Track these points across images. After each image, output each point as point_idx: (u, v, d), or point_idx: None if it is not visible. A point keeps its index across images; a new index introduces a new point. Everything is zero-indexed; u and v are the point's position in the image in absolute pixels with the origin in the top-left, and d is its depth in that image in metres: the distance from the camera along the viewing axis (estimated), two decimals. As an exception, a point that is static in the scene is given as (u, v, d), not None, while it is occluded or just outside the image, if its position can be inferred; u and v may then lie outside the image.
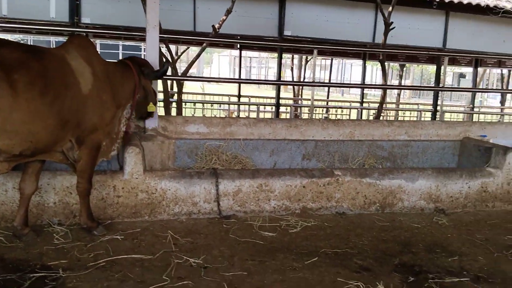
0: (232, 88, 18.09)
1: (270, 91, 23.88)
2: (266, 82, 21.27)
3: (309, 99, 10.53)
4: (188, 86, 15.37)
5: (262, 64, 39.66)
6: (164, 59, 4.39)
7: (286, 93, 23.89)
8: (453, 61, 13.11)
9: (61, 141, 3.31)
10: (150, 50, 4.54)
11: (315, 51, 6.94)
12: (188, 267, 3.15)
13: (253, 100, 13.46)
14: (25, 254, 3.22)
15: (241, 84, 12.94)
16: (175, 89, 9.37)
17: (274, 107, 11.33)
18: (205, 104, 12.33)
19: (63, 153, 3.44)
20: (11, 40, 3.40)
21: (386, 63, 9.36)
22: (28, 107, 2.91)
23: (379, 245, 3.75)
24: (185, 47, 11.33)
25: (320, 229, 4.02)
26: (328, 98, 16.86)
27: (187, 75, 8.12)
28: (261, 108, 12.40)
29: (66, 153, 3.45)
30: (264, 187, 4.28)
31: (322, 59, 19.05)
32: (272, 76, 38.60)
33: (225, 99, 13.34)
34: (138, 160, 3.92)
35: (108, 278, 2.91)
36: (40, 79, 3.00)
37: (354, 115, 13.91)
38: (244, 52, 15.09)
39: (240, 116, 11.55)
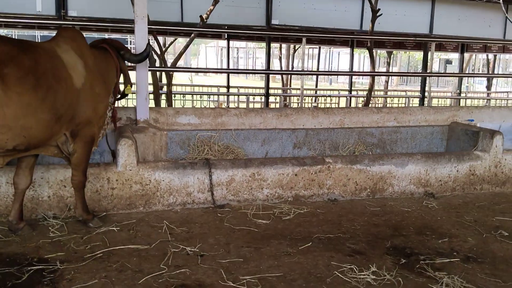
0: (220, 79, 18.07)
1: (258, 82, 23.90)
2: (256, 71, 21.29)
3: (298, 88, 10.58)
4: (176, 77, 15.31)
5: (249, 54, 39.54)
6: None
7: (274, 83, 23.91)
8: (440, 47, 13.23)
9: (55, 135, 3.31)
10: (139, 42, 4.54)
11: (304, 40, 6.98)
12: (184, 256, 3.19)
13: (242, 90, 13.47)
14: (21, 248, 3.24)
15: (229, 75, 12.93)
16: (164, 81, 9.36)
17: (263, 97, 11.36)
18: (194, 96, 12.31)
19: (57, 147, 3.45)
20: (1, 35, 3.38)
21: (373, 51, 9.43)
22: (20, 101, 2.90)
23: (370, 229, 3.82)
24: (173, 38, 11.29)
25: (313, 216, 4.09)
26: (316, 87, 16.93)
27: (176, 66, 8.10)
28: (251, 98, 12.44)
29: (61, 146, 3.46)
30: (256, 176, 4.32)
31: (310, 48, 19.09)
32: (259, 66, 38.52)
33: (214, 90, 13.33)
34: (131, 152, 3.94)
35: (106, 269, 2.94)
36: (31, 73, 2.98)
37: (342, 103, 14.00)
38: (231, 43, 15.08)
39: (230, 107, 11.58)
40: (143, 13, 4.43)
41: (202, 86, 13.28)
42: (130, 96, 11.27)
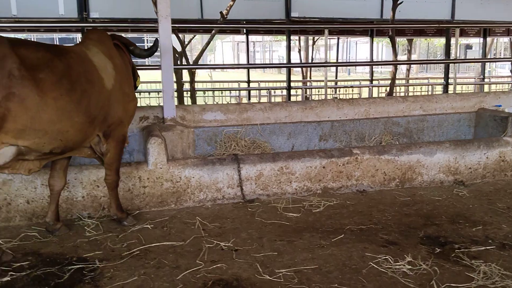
0: (238, 74, 18.04)
1: (275, 75, 23.77)
2: (279, 65, 20.97)
3: (318, 80, 10.53)
4: (196, 74, 15.33)
5: (266, 48, 39.37)
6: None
7: (293, 75, 23.77)
8: (461, 33, 12.98)
9: (90, 137, 3.38)
10: (163, 41, 4.59)
11: (326, 31, 6.90)
12: (219, 251, 3.24)
13: (262, 84, 13.46)
14: (60, 248, 3.32)
15: (249, 70, 12.89)
16: (185, 78, 9.40)
17: (284, 91, 11.33)
18: (215, 92, 12.36)
19: (91, 148, 3.52)
20: (31, 40, 3.46)
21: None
22: (56, 106, 2.96)
23: (402, 220, 3.81)
24: (191, 35, 11.32)
25: (343, 207, 4.09)
26: (336, 78, 16.81)
27: (198, 64, 8.16)
28: (271, 92, 12.42)
29: (94, 147, 3.53)
30: (285, 169, 4.34)
31: (328, 38, 18.91)
32: (276, 59, 38.39)
33: (234, 85, 13.34)
34: (161, 150, 4.00)
35: (144, 266, 3.00)
36: (65, 78, 3.04)
37: (364, 94, 13.88)
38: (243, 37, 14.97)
39: (252, 101, 11.60)
40: (166, 12, 4.48)
41: (223, 82, 13.30)
42: (156, 94, 11.36)
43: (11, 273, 2.91)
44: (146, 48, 4.06)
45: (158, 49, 4.25)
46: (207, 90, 12.31)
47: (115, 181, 3.68)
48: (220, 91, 12.47)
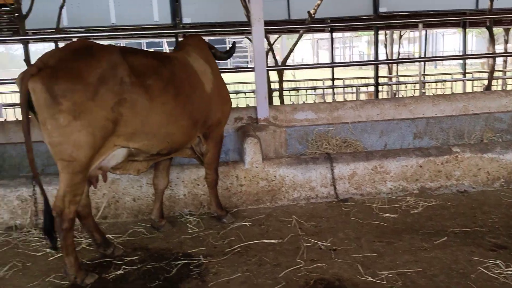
0: (318, 72, 17.80)
1: (357, 72, 23.15)
2: (370, 62, 19.83)
3: (405, 75, 10.14)
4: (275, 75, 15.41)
5: (346, 43, 38.60)
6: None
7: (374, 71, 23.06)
8: None
9: (192, 139, 3.55)
10: (256, 43, 4.68)
11: (420, 25, 6.66)
12: (317, 250, 3.25)
13: (347, 82, 13.25)
14: (166, 243, 3.51)
15: (324, 68, 12.71)
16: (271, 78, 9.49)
17: (369, 88, 11.06)
18: (299, 91, 12.36)
19: (191, 148, 3.69)
20: (138, 48, 3.69)
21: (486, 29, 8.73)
22: (163, 110, 3.14)
23: (510, 222, 3.58)
24: (276, 36, 11.43)
25: (443, 209, 3.93)
26: (424, 72, 16.09)
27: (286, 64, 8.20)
28: (355, 89, 12.18)
29: (194, 148, 3.69)
30: (379, 168, 4.26)
31: (411, 31, 18.16)
32: (357, 55, 37.54)
33: (318, 83, 13.23)
34: (257, 150, 4.09)
35: (246, 263, 3.09)
36: (171, 83, 3.21)
37: (456, 88, 13.15)
38: (327, 34, 14.71)
39: (341, 100, 11.46)
40: (259, 15, 4.57)
41: (306, 80, 13.26)
42: (243, 95, 11.56)
43: (124, 267, 3.13)
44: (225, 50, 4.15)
45: (251, 51, 4.32)
46: (291, 90, 12.30)
47: (214, 179, 3.83)
48: (305, 90, 12.44)
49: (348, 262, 3.05)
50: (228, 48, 4.10)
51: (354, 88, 12.48)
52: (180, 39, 6.15)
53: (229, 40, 23.52)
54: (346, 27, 11.06)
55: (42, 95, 2.64)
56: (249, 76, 12.45)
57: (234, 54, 4.26)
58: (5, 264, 3.21)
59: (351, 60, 29.95)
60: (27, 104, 2.70)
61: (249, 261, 3.12)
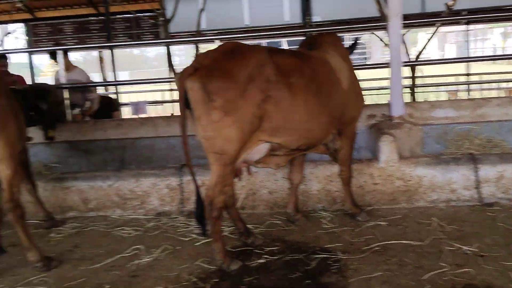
0: (445, 68, 16.60)
1: (489, 66, 21.11)
2: None
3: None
4: (406, 70, 14.72)
5: (472, 37, 35.44)
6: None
7: (510, 65, 20.96)
8: None
9: (328, 135, 3.59)
10: (393, 39, 4.56)
11: None
12: (462, 255, 3.08)
13: (485, 77, 12.21)
14: (302, 237, 3.59)
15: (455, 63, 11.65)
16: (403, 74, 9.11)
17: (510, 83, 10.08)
18: (428, 87, 11.69)
19: (325, 144, 3.73)
20: (283, 48, 3.81)
21: None
22: (305, 107, 3.22)
23: None
24: (405, 30, 10.92)
25: None
26: None
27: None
28: (485, 86, 11.18)
29: (328, 144, 3.73)
30: (532, 172, 3.90)
31: None
32: (489, 49, 34.35)
33: (450, 79, 12.36)
34: (393, 148, 4.00)
35: (386, 262, 3.04)
36: (312, 81, 3.29)
37: None
38: (455, 27, 13.47)
39: (485, 97, 10.66)
40: (397, 10, 4.43)
41: (436, 76, 12.47)
42: (382, 92, 11.17)
43: (265, 256, 3.26)
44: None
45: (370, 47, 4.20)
46: (427, 86, 11.60)
47: (348, 176, 3.83)
48: (434, 86, 11.73)
49: (498, 270, 2.85)
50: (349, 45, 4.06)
51: (493, 84, 11.46)
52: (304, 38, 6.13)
53: (349, 36, 23.07)
54: (486, 19, 10.16)
55: (198, 92, 2.87)
56: (372, 73, 12.10)
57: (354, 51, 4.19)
58: (158, 247, 3.54)
59: (485, 55, 27.29)
60: (184, 101, 2.95)
61: (389, 261, 3.06)
